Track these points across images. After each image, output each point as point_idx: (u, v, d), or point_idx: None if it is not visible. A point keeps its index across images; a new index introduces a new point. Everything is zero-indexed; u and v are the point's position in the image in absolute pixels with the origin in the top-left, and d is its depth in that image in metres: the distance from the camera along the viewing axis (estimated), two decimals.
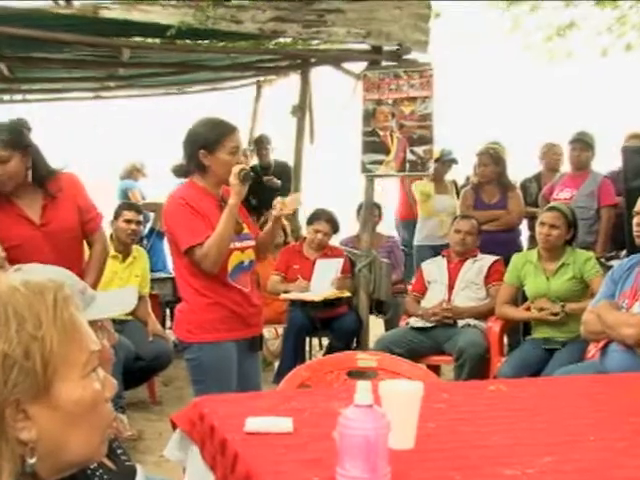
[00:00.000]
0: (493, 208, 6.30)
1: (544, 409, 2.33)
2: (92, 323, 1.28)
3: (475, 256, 5.53)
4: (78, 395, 1.17)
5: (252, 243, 3.45)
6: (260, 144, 8.00)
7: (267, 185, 7.50)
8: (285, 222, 6.92)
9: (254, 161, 8.00)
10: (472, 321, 5.18)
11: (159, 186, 9.27)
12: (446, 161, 7.07)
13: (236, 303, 3.32)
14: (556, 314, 4.66)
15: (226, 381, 3.29)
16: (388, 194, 7.57)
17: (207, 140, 3.26)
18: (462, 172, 7.70)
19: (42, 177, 3.61)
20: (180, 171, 3.46)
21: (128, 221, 5.40)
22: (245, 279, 3.38)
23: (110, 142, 11.93)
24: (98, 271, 3.76)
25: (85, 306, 1.47)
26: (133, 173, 9.19)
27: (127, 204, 5.89)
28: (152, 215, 7.41)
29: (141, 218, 5.57)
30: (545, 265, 4.86)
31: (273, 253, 6.30)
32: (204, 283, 3.28)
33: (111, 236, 5.42)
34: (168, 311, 7.33)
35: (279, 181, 7.60)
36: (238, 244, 3.32)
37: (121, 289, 1.81)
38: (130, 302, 1.63)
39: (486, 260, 5.49)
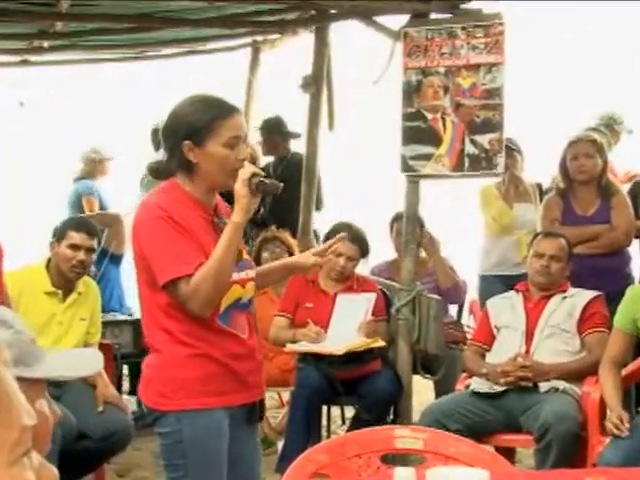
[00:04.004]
0: (590, 222, 6.29)
1: None
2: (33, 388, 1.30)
3: (564, 291, 5.52)
4: None
5: (253, 274, 3.46)
6: (275, 129, 8.06)
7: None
8: (292, 240, 6.95)
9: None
10: (561, 384, 5.16)
11: (115, 189, 9.33)
12: (507, 150, 6.88)
13: (230, 355, 3.33)
14: None
15: (215, 467, 3.29)
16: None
17: (193, 127, 3.27)
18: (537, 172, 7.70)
19: None
20: (159, 171, 3.48)
21: (74, 247, 5.32)
22: (242, 321, 3.39)
23: (43, 125, 12.01)
24: None
25: (34, 361, 1.51)
26: (95, 168, 9.05)
27: (76, 221, 5.73)
28: (105, 232, 7.41)
29: (94, 243, 5.45)
30: None
31: (275, 286, 6.31)
32: (185, 327, 3.28)
33: (48, 264, 5.42)
34: (126, 368, 7.35)
35: (281, 184, 7.55)
36: (236, 275, 3.34)
37: (75, 351, 1.83)
38: (95, 364, 1.69)
39: (580, 297, 5.48)
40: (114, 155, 9.07)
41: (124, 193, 8.98)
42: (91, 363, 1.74)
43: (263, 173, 3.36)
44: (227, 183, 3.29)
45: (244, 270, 3.39)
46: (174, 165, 3.34)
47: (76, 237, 5.34)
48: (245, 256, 3.46)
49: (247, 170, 3.25)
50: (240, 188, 3.22)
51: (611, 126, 7.83)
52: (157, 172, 3.51)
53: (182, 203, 3.30)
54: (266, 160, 8.31)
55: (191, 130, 3.27)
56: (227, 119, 3.29)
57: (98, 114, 11.87)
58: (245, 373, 3.36)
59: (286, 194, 7.61)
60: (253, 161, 8.16)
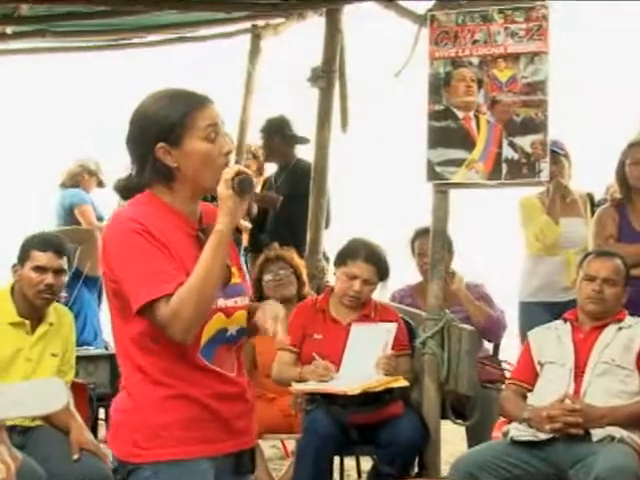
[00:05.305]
0: None
1: None
2: None
3: (620, 320, 5.52)
4: None
5: (246, 301, 3.44)
6: (276, 131, 8.07)
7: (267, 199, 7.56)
8: (299, 261, 6.94)
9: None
10: (617, 431, 5.14)
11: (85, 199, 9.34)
12: (552, 154, 6.82)
13: (214, 395, 3.31)
14: None
15: None
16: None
17: (165, 126, 3.26)
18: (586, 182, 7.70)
19: None
20: (129, 189, 3.45)
21: (40, 269, 5.30)
22: (228, 357, 3.38)
23: (5, 123, 12.07)
24: None
25: None
26: (83, 178, 9.12)
27: (40, 238, 5.58)
28: (77, 250, 7.40)
29: (63, 263, 5.41)
30: None
31: None
32: (161, 363, 3.26)
33: (12, 289, 5.41)
34: (103, 411, 7.33)
35: (279, 196, 7.59)
36: (222, 302, 3.32)
37: (34, 383, 1.82)
38: (59, 399, 1.65)
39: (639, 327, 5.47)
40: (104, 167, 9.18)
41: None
42: (54, 397, 1.71)
43: (249, 172, 3.34)
44: (214, 184, 3.26)
45: (233, 297, 3.36)
46: (147, 176, 3.31)
47: (41, 257, 5.32)
48: (237, 280, 3.42)
49: (230, 170, 3.24)
50: (223, 190, 3.20)
51: None
52: (126, 190, 3.47)
53: (160, 215, 3.28)
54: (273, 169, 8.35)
55: (163, 129, 3.25)
56: (201, 110, 3.28)
57: (70, 111, 11.90)
58: (232, 417, 3.35)
59: (288, 209, 7.68)
60: (257, 160, 8.24)
